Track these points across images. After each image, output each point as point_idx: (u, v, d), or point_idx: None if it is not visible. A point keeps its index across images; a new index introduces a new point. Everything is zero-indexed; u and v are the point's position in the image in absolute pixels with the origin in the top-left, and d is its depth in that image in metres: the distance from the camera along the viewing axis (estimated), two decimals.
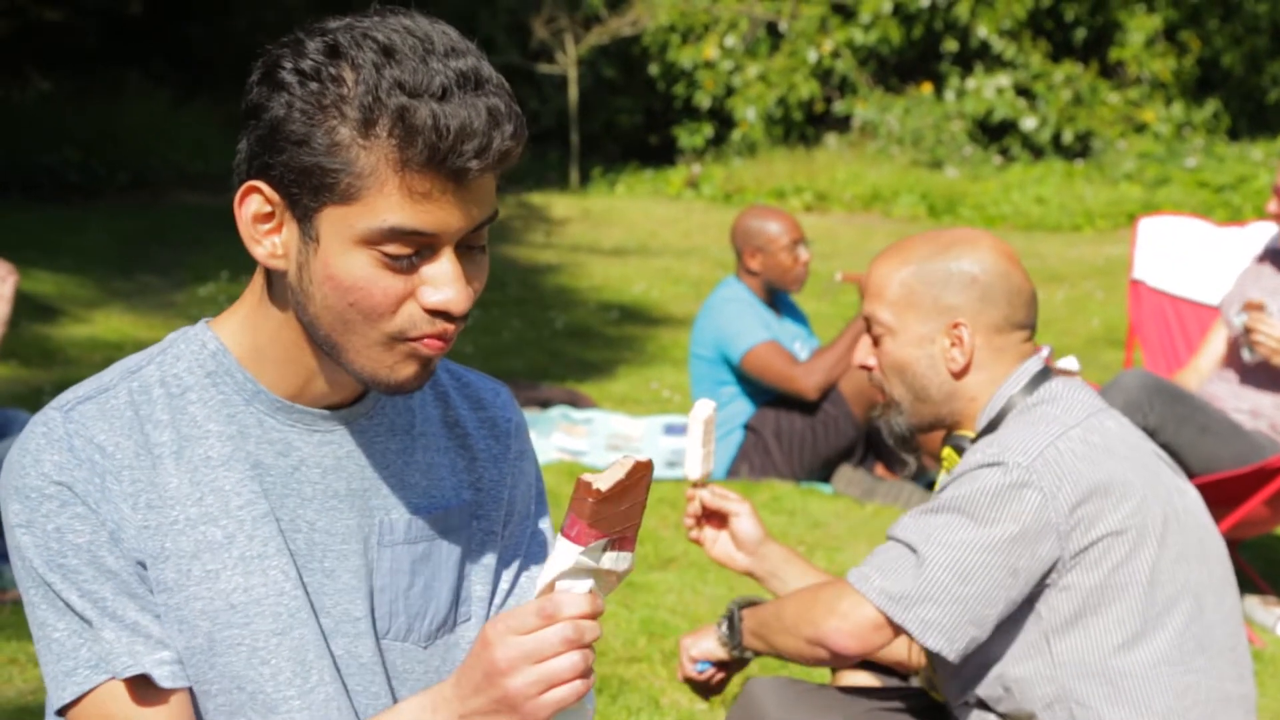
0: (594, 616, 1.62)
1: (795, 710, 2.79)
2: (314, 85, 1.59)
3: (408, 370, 1.68)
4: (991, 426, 2.64)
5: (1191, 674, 2.55)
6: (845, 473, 5.99)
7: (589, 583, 1.61)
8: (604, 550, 1.59)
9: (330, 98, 1.59)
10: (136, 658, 1.67)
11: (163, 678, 1.68)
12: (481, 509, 1.88)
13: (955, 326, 2.63)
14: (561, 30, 16.83)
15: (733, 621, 2.86)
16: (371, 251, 1.61)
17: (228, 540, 1.72)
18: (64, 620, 1.67)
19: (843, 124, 17.20)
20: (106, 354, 7.72)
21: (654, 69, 17.61)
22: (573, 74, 16.82)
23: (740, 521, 2.92)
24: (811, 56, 16.86)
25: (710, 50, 17.04)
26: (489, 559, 1.89)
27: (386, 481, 1.81)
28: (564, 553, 1.58)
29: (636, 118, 18.43)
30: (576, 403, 7.24)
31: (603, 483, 1.54)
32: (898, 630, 2.54)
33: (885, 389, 2.70)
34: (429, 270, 1.64)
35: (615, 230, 13.73)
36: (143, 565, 1.70)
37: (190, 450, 1.72)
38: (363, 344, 1.66)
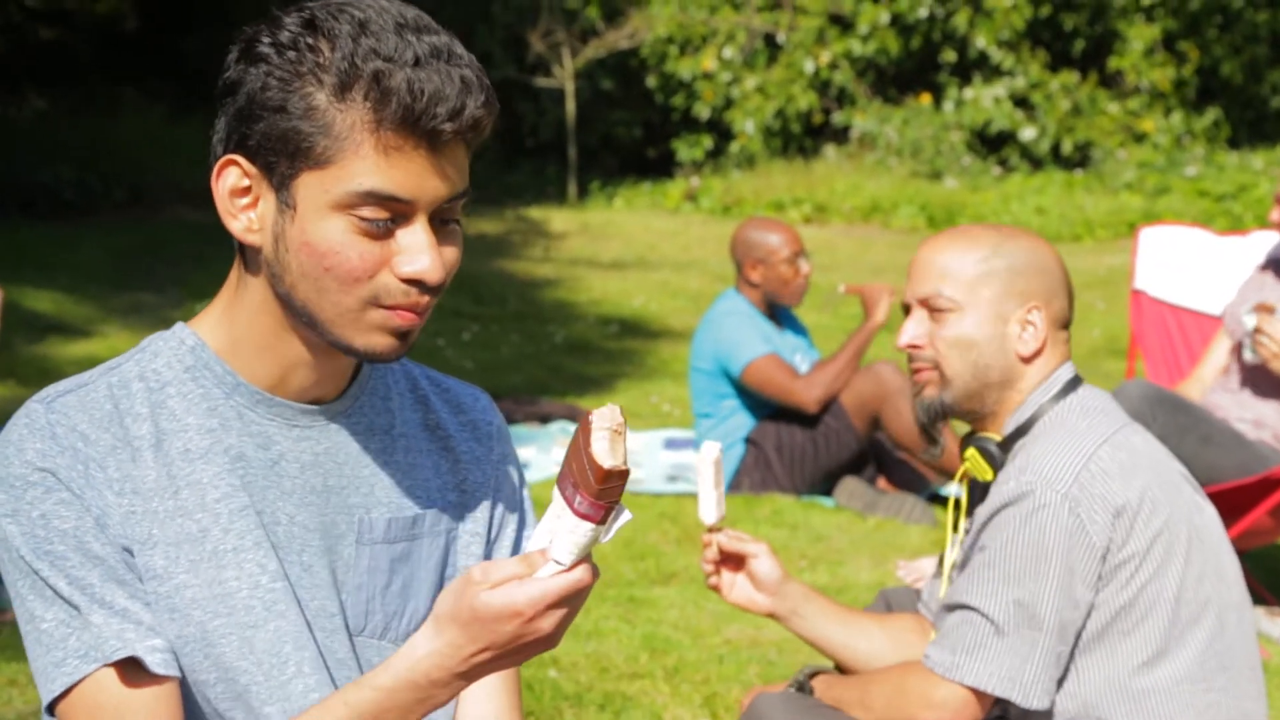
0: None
1: None
2: (291, 54, 1.63)
3: (382, 340, 1.69)
4: (1020, 431, 2.64)
5: (1213, 692, 2.56)
6: (847, 485, 5.97)
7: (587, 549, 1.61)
8: (614, 519, 1.59)
9: (307, 65, 1.62)
10: (127, 642, 1.66)
11: (155, 664, 1.67)
12: (467, 510, 1.89)
13: (1031, 310, 2.64)
14: (559, 44, 16.84)
15: (802, 689, 2.84)
16: (348, 216, 1.63)
17: (202, 534, 1.72)
18: (52, 610, 1.66)
19: (841, 135, 17.21)
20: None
21: (652, 81, 17.62)
22: (570, 87, 16.83)
23: (759, 562, 2.88)
24: (809, 68, 16.87)
25: (708, 62, 17.06)
26: (473, 561, 1.89)
27: (366, 480, 1.81)
28: (579, 530, 1.57)
29: (634, 130, 18.44)
30: (576, 417, 7.22)
31: (614, 459, 1.53)
32: (996, 700, 2.55)
33: (940, 366, 2.67)
34: (404, 239, 1.65)
35: (614, 244, 13.72)
36: (129, 552, 1.69)
37: (168, 443, 1.73)
38: (336, 311, 1.67)
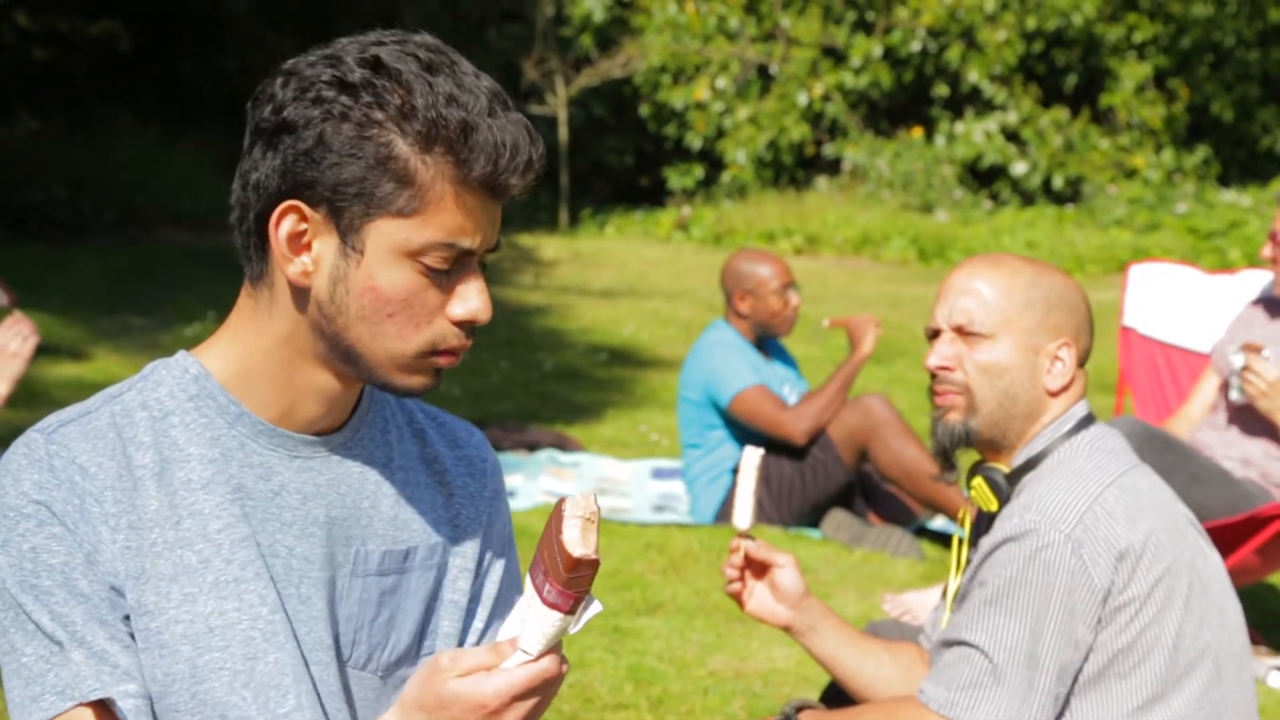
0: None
1: None
2: (366, 98, 1.63)
3: (423, 380, 1.73)
4: (1029, 465, 2.64)
5: None
6: (834, 518, 5.96)
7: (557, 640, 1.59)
8: (584, 609, 1.57)
9: (388, 110, 1.63)
10: (104, 684, 1.66)
11: (127, 709, 1.67)
12: (458, 545, 1.89)
13: (1061, 346, 2.66)
14: (552, 72, 16.87)
15: None
16: (415, 264, 1.66)
17: (202, 565, 1.72)
18: (32, 644, 1.66)
19: (833, 167, 17.24)
20: (91, 395, 7.65)
21: (645, 110, 17.65)
22: (563, 115, 16.85)
23: (784, 573, 2.86)
24: (802, 99, 16.91)
25: (701, 92, 17.09)
26: (460, 596, 1.89)
27: (365, 512, 1.82)
28: (547, 619, 1.56)
29: (627, 159, 18.46)
30: (564, 446, 7.21)
31: (584, 548, 1.51)
32: None
33: (970, 390, 2.66)
34: (457, 283, 1.69)
35: (604, 272, 13.72)
36: (117, 591, 1.69)
37: (171, 473, 1.73)
38: (387, 356, 1.70)
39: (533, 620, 1.56)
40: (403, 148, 1.62)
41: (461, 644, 1.90)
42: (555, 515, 1.53)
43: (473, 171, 1.63)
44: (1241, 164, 17.35)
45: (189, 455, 1.73)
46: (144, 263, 12.04)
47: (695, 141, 17.22)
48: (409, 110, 1.62)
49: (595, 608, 1.58)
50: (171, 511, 1.71)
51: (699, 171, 17.39)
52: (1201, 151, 16.75)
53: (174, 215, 13.69)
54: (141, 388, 1.77)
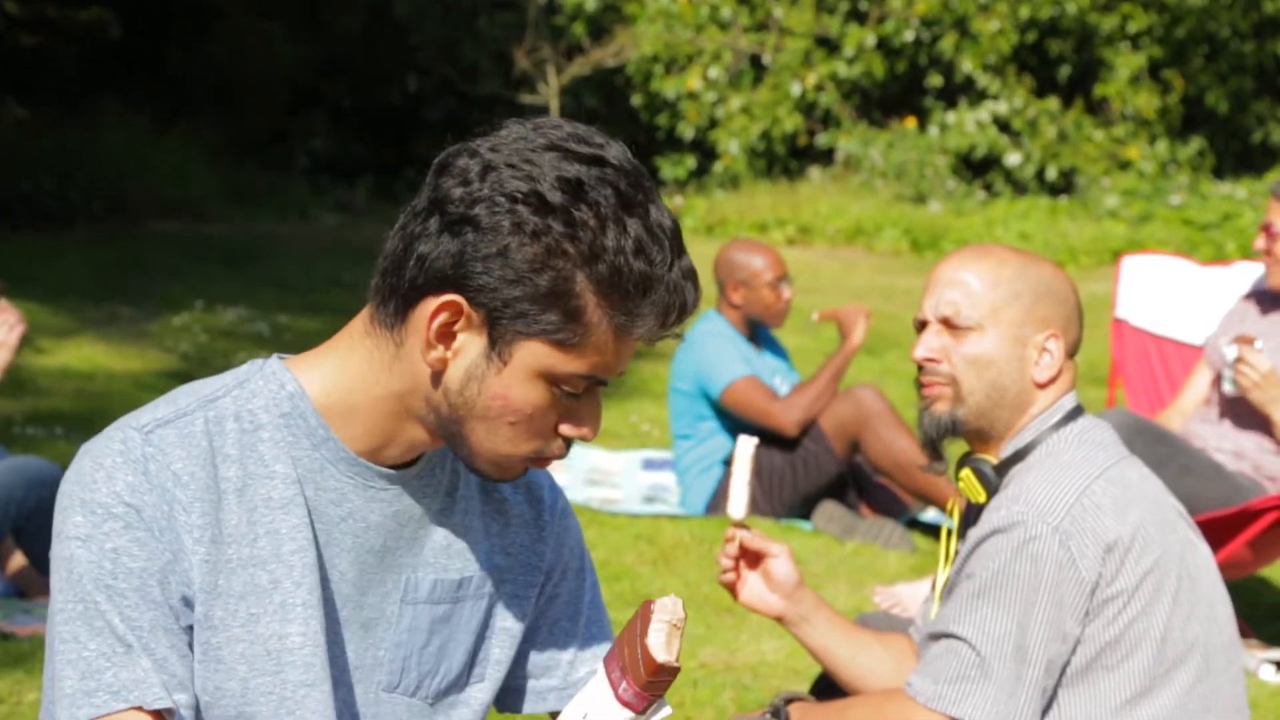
0: None
1: None
2: (559, 227, 1.62)
3: (511, 476, 1.77)
4: (1017, 457, 2.64)
5: None
6: (826, 509, 5.96)
7: None
8: (655, 710, 1.59)
9: (579, 245, 1.63)
10: (168, 690, 1.68)
11: (185, 718, 1.70)
12: (509, 574, 1.91)
13: (1049, 337, 2.65)
14: (544, 60, 16.85)
15: (778, 715, 2.83)
16: (552, 387, 1.69)
17: (272, 585, 1.73)
18: (97, 640, 1.68)
19: (826, 157, 17.23)
20: (78, 384, 7.65)
21: (637, 99, 17.63)
22: (554, 104, 16.82)
23: (778, 563, 2.86)
24: (795, 89, 16.89)
25: (694, 81, 17.06)
26: (512, 623, 1.91)
27: (418, 540, 1.83)
28: (618, 716, 1.58)
29: None
30: None
31: (668, 655, 1.53)
32: None
33: (957, 382, 2.66)
34: (579, 405, 1.73)
35: None
36: (187, 602, 1.71)
37: (253, 489, 1.74)
38: (494, 453, 1.73)
39: (601, 713, 1.58)
40: (581, 286, 1.64)
41: (509, 668, 1.93)
42: (642, 615, 1.55)
43: (637, 330, 1.67)
44: (1236, 156, 17.34)
45: (273, 473, 1.74)
46: (132, 252, 12.00)
47: (688, 131, 17.19)
48: (598, 250, 1.63)
49: (665, 710, 1.59)
50: (249, 529, 1.72)
51: (691, 161, 17.37)
52: (1196, 143, 16.75)
53: (162, 205, 13.65)
54: (237, 395, 1.76)
